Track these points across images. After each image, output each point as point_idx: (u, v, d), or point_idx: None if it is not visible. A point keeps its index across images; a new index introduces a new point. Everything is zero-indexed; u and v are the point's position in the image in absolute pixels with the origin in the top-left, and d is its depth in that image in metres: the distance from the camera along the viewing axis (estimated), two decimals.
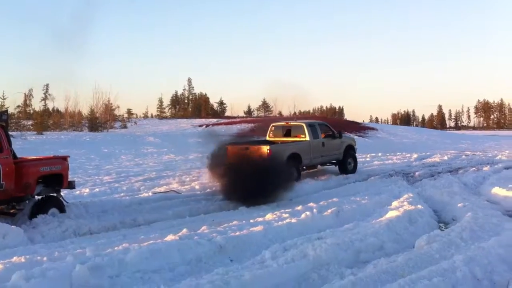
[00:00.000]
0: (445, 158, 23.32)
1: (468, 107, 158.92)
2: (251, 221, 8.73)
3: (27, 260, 5.90)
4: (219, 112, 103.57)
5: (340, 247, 6.68)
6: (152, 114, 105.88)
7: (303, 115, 77.03)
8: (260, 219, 8.92)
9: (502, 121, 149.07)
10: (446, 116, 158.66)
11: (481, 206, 10.12)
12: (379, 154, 25.49)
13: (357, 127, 47.35)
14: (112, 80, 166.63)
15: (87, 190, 12.57)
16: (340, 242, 6.83)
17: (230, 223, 8.43)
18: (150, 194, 12.21)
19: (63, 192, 9.96)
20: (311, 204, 10.07)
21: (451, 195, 11.32)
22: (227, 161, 12.21)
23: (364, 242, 7.07)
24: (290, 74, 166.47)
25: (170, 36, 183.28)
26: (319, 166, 17.45)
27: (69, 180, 9.77)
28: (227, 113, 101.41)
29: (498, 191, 11.75)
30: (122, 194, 12.23)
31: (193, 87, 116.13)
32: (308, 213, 8.99)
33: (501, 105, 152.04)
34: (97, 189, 12.70)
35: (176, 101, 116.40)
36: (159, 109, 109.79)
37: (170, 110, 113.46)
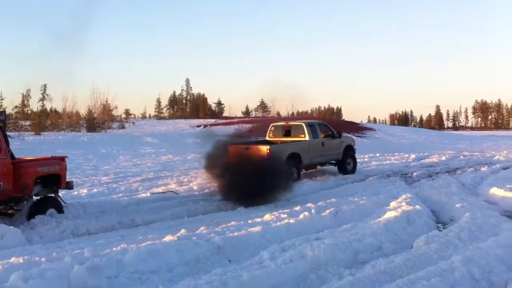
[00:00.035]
0: (443, 158, 23.36)
1: (466, 108, 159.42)
2: (249, 221, 8.73)
3: (25, 260, 5.89)
4: (217, 113, 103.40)
5: (339, 247, 6.68)
6: (150, 115, 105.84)
7: (301, 116, 77.08)
8: (258, 219, 8.92)
9: (500, 121, 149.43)
10: (444, 117, 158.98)
11: (479, 207, 10.14)
12: (377, 155, 25.51)
13: (355, 128, 47.36)
14: (110, 81, 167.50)
15: (85, 190, 12.56)
16: (338, 242, 6.83)
17: (228, 224, 8.43)
18: (148, 194, 12.20)
19: (61, 193, 9.94)
20: (309, 204, 10.07)
21: (449, 195, 11.34)
22: (227, 161, 12.14)
23: (363, 242, 7.07)
24: (288, 75, 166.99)
25: (168, 37, 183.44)
26: (318, 167, 17.48)
27: (67, 180, 9.75)
28: (225, 114, 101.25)
29: (496, 192, 11.78)
30: (120, 195, 12.22)
31: (191, 87, 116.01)
32: (306, 213, 8.99)
33: (498, 106, 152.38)
34: (95, 190, 12.69)
35: (174, 101, 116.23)
36: (157, 110, 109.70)
37: (168, 111, 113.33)
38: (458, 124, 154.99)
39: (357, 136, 37.10)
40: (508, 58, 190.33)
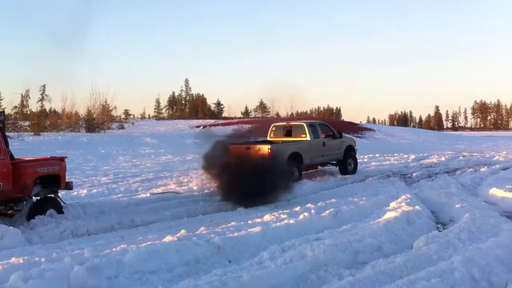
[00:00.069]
0: (443, 159, 23.37)
1: (465, 108, 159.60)
2: (249, 222, 8.73)
3: (25, 261, 5.89)
4: (216, 113, 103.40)
5: (338, 248, 6.68)
6: (149, 115, 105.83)
7: (300, 116, 77.07)
8: (258, 220, 8.92)
9: (499, 122, 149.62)
10: (443, 117, 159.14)
11: (479, 207, 10.14)
12: (377, 155, 25.53)
13: (355, 128, 47.38)
14: (109, 81, 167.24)
15: (85, 191, 12.56)
16: (338, 243, 6.83)
17: (228, 224, 8.43)
18: (148, 195, 12.20)
19: (61, 193, 9.94)
20: (309, 205, 10.07)
21: (449, 196, 11.34)
22: (227, 160, 12.09)
23: (362, 243, 7.07)
24: (288, 75, 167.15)
25: (167, 37, 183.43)
26: (319, 167, 17.51)
27: (66, 181, 9.75)
28: (224, 114, 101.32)
29: (496, 192, 11.78)
30: (119, 195, 12.22)
31: (190, 87, 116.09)
32: (306, 214, 8.99)
33: (498, 106, 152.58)
34: (94, 190, 12.68)
35: (173, 101, 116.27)
36: (156, 110, 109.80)
37: (167, 111, 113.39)
38: (458, 124, 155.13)
39: (356, 137, 37.05)
40: (507, 59, 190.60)
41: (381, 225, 8.05)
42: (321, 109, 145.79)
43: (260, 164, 12.05)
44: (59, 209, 9.22)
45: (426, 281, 5.28)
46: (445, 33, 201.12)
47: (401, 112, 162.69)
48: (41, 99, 71.27)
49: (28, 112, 59.63)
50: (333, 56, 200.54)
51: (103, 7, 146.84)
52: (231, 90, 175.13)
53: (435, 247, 6.79)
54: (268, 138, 16.94)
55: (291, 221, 8.51)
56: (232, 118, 75.40)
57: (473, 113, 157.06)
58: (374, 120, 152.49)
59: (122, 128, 53.52)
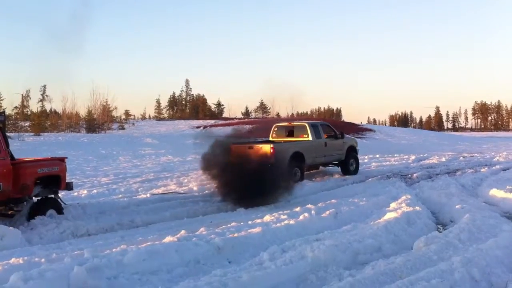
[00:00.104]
0: (443, 159, 23.38)
1: (466, 109, 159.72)
2: (249, 222, 8.72)
3: (25, 261, 5.89)
4: (216, 114, 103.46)
5: (338, 248, 6.68)
6: (150, 116, 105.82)
7: (301, 116, 77.07)
8: (258, 220, 8.92)
9: (499, 122, 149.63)
10: (444, 118, 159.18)
11: (479, 208, 10.14)
12: (377, 156, 25.52)
13: (355, 129, 47.38)
14: (109, 81, 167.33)
15: (85, 191, 12.55)
16: (338, 243, 6.83)
17: (228, 225, 8.43)
18: (148, 195, 12.19)
19: (61, 194, 9.94)
20: (309, 205, 10.07)
21: (449, 196, 11.33)
22: (229, 160, 12.04)
23: (362, 243, 7.06)
24: (288, 75, 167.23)
25: (168, 37, 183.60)
26: (320, 167, 17.55)
27: (67, 181, 9.75)
28: (224, 115, 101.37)
29: (496, 193, 11.78)
30: (120, 196, 12.20)
31: (190, 88, 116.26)
32: (306, 214, 8.99)
33: (498, 107, 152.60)
34: (95, 191, 12.68)
35: (173, 102, 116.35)
36: (156, 110, 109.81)
37: (167, 112, 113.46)
38: (458, 125, 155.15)
39: (356, 137, 36.99)
40: (508, 59, 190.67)
41: (381, 225, 8.04)
42: (322, 109, 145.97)
43: (263, 163, 12.04)
44: (59, 210, 9.23)
45: (426, 282, 5.27)
46: (445, 33, 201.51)
47: (402, 113, 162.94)
48: (42, 100, 71.35)
49: (29, 112, 59.74)
50: (333, 57, 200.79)
51: (103, 7, 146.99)
52: (232, 90, 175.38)
53: (435, 248, 6.78)
54: (270, 138, 16.97)
55: (291, 222, 8.51)
56: (232, 119, 75.43)
57: (473, 114, 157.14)
58: (374, 120, 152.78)
59: (123, 128, 53.58)
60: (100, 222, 9.13)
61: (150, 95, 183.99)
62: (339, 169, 17.58)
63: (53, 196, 9.48)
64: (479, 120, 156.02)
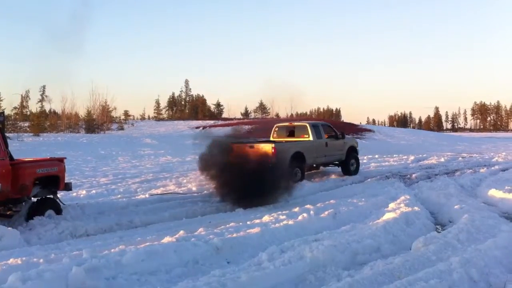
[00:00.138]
0: (442, 160, 23.40)
1: (465, 109, 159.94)
2: (248, 222, 8.72)
3: (24, 262, 5.88)
4: (216, 114, 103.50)
5: (337, 248, 6.68)
6: (149, 116, 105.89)
7: (300, 117, 77.08)
8: (257, 220, 8.91)
9: (498, 123, 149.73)
10: (443, 118, 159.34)
11: (478, 208, 10.14)
12: (376, 156, 25.53)
13: (354, 129, 47.39)
14: (109, 82, 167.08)
15: (84, 191, 12.54)
16: (337, 244, 6.83)
17: (227, 225, 8.42)
18: (147, 196, 12.18)
19: (60, 194, 9.93)
20: (308, 206, 10.07)
21: (448, 197, 11.33)
22: (229, 160, 11.98)
23: (361, 243, 7.06)
24: (287, 76, 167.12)
25: (167, 37, 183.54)
26: (321, 167, 17.57)
27: (65, 181, 9.74)
28: (224, 115, 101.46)
29: (495, 193, 11.79)
30: (118, 196, 12.20)
31: (190, 88, 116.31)
32: (305, 214, 8.99)
33: (497, 107, 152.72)
34: (93, 191, 12.67)
35: (173, 102, 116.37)
36: (156, 111, 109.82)
37: (167, 112, 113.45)
38: (457, 125, 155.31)
39: (356, 138, 37.08)
40: (507, 60, 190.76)
41: (380, 226, 8.05)
42: (321, 110, 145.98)
43: (264, 163, 12.04)
44: (58, 210, 9.21)
45: (424, 282, 5.27)
46: (445, 33, 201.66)
47: (401, 113, 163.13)
48: (41, 100, 71.46)
49: (28, 112, 59.77)
50: (332, 57, 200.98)
51: (103, 7, 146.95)
52: (231, 91, 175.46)
53: (434, 248, 6.78)
54: (271, 138, 17.02)
55: (290, 222, 8.51)
56: (231, 119, 75.49)
57: (472, 114, 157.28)
58: (373, 121, 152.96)
59: (122, 129, 53.61)
60: (98, 222, 9.11)
61: (150, 96, 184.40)
62: (338, 169, 17.61)
63: (52, 196, 9.47)
64: (478, 121, 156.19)
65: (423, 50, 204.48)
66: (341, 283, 5.43)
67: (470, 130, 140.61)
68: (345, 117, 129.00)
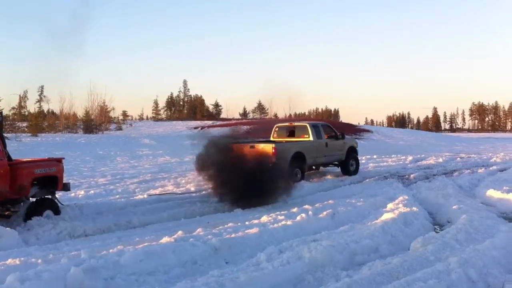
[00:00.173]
0: (440, 160, 23.43)
1: (463, 110, 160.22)
2: (247, 223, 8.72)
3: (22, 262, 5.88)
4: (214, 114, 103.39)
5: (336, 249, 6.68)
6: (147, 116, 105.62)
7: (298, 117, 77.10)
8: (256, 221, 8.91)
9: (496, 123, 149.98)
10: (441, 119, 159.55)
11: (476, 209, 10.14)
12: (374, 156, 25.56)
13: (353, 129, 47.40)
14: (107, 82, 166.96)
15: (82, 192, 12.53)
16: (335, 244, 6.83)
17: (226, 225, 8.42)
18: (145, 196, 12.17)
19: (58, 194, 9.92)
20: (306, 206, 10.08)
21: (446, 197, 11.34)
22: (230, 160, 11.93)
23: (360, 244, 7.07)
24: (287, 76, 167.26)
25: (166, 38, 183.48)
26: (321, 168, 17.60)
27: (64, 182, 9.73)
28: (222, 115, 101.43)
29: (493, 194, 11.80)
30: (117, 196, 12.19)
31: (188, 88, 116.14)
32: (303, 215, 8.99)
33: (496, 108, 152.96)
34: (92, 191, 12.65)
35: (171, 103, 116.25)
36: (154, 111, 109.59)
37: (165, 112, 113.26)
38: (455, 126, 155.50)
39: (354, 138, 37.14)
40: (505, 60, 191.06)
41: (378, 226, 8.05)
42: (319, 110, 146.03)
43: (264, 163, 12.03)
44: (56, 210, 9.21)
45: (423, 282, 5.28)
46: (444, 34, 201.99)
47: (399, 114, 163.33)
48: (39, 100, 71.46)
49: (26, 113, 59.57)
50: (331, 58, 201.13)
51: (101, 7, 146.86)
52: (230, 91, 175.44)
53: (432, 248, 6.79)
54: (272, 138, 17.06)
55: (289, 222, 8.51)
56: (230, 119, 75.47)
57: (471, 115, 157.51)
58: (372, 121, 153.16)
59: (120, 129, 53.54)
60: (97, 222, 9.10)
61: (148, 96, 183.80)
62: (336, 169, 17.65)
63: (50, 196, 9.46)
64: (476, 121, 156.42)
65: (422, 50, 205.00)
66: (340, 283, 5.43)
67: (468, 130, 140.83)
68: (344, 118, 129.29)
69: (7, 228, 7.60)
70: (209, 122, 63.87)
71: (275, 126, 17.72)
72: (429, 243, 7.04)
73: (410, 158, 24.46)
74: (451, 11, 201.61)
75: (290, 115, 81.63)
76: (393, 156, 26.31)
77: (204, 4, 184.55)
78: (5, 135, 10.19)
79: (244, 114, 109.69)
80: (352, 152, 17.67)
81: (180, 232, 7.60)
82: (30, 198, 9.17)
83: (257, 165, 11.59)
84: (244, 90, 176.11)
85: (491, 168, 18.90)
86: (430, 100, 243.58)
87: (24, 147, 25.28)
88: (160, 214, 10.02)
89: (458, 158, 24.93)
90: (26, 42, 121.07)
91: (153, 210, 10.36)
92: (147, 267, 6.01)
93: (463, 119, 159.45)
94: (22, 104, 63.68)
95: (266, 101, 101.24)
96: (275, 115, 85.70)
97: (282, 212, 9.57)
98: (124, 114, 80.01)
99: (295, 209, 9.80)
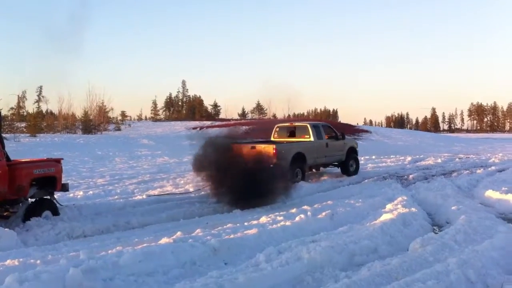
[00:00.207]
0: (439, 161, 23.45)
1: (462, 110, 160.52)
2: (246, 224, 8.71)
3: (21, 263, 5.87)
4: (213, 115, 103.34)
5: (335, 250, 6.68)
6: (146, 117, 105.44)
7: (297, 118, 77.11)
8: (255, 222, 8.91)
9: (495, 124, 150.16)
10: (440, 119, 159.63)
11: (475, 209, 10.15)
12: (373, 157, 25.55)
13: (351, 130, 47.40)
14: (106, 82, 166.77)
15: (81, 192, 12.52)
16: (334, 245, 6.83)
17: (225, 226, 8.41)
18: (144, 196, 12.14)
19: (57, 195, 9.91)
20: (305, 207, 10.07)
21: (445, 198, 11.35)
22: (230, 161, 11.89)
23: (359, 245, 7.07)
24: (285, 76, 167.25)
25: (164, 38, 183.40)
26: (321, 168, 17.64)
27: (62, 182, 9.72)
28: (221, 116, 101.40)
29: (492, 194, 11.81)
30: (116, 197, 12.17)
31: (187, 89, 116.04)
32: (302, 216, 9.00)
33: (494, 108, 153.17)
34: (91, 192, 12.64)
35: (170, 103, 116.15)
36: (153, 112, 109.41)
37: (164, 113, 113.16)
38: (454, 126, 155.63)
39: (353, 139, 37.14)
40: (504, 61, 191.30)
41: (377, 227, 8.05)
42: (318, 110, 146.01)
43: (265, 164, 12.02)
44: (55, 211, 9.20)
45: (422, 283, 5.28)
46: (443, 34, 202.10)
47: (398, 114, 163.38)
48: (38, 101, 71.29)
49: (25, 113, 59.52)
50: (330, 58, 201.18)
51: (100, 8, 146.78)
52: (228, 91, 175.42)
53: (431, 249, 6.79)
54: (272, 139, 17.10)
55: (288, 223, 8.51)
56: (229, 120, 75.45)
57: (469, 115, 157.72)
58: (370, 122, 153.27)
59: (119, 129, 53.41)
60: (96, 223, 9.10)
61: (147, 96, 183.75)
62: (335, 170, 17.67)
63: (48, 197, 9.45)
64: (475, 122, 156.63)
65: (420, 50, 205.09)
66: (339, 284, 5.43)
67: (467, 131, 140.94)
68: (342, 118, 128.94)
69: (6, 229, 7.58)
70: (208, 123, 63.76)
71: (275, 126, 17.78)
72: (428, 244, 7.04)
73: (409, 158, 24.48)
74: (451, 11, 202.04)
75: (289, 115, 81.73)
76: (392, 156, 26.33)
77: (203, 4, 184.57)
78: (3, 135, 10.17)
79: (243, 114, 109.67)
80: (352, 153, 17.75)
81: (179, 233, 7.60)
82: (29, 199, 9.15)
83: (258, 166, 11.58)
84: (243, 90, 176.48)
85: (489, 169, 18.93)
86: (428, 101, 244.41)
87: (22, 148, 25.26)
88: (159, 214, 10.02)
89: (457, 159, 24.96)
90: (25, 43, 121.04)
91: (152, 211, 10.35)
92: (146, 268, 6.00)
93: (462, 119, 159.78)
94: (21, 104, 63.67)
95: (265, 101, 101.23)
96: (274, 116, 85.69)
97: (281, 213, 9.56)
98: (123, 114, 79.85)
99: (294, 210, 9.80)
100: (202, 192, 12.49)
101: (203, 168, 11.98)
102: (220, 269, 6.05)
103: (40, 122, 44.32)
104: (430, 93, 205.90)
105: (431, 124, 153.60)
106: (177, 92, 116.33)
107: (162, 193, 12.72)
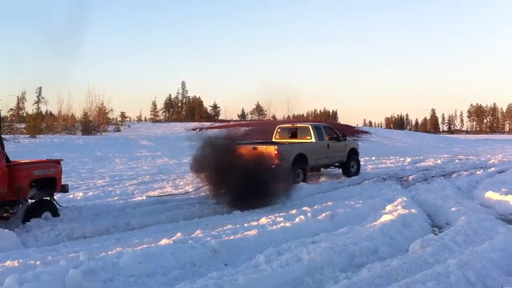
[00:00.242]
0: (439, 162, 23.46)
1: (461, 111, 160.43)
2: (245, 225, 8.71)
3: (20, 264, 5.86)
4: (212, 116, 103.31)
5: (335, 251, 6.68)
6: (145, 118, 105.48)
7: (297, 119, 77.14)
8: (255, 223, 8.90)
9: (495, 125, 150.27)
10: (440, 120, 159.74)
11: (475, 210, 10.15)
12: (373, 158, 25.55)
13: (351, 131, 47.37)
14: (105, 83, 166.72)
15: (81, 193, 12.50)
16: (334, 246, 6.83)
17: (224, 227, 8.41)
18: (144, 198, 12.14)
19: (57, 196, 9.90)
20: (305, 208, 10.07)
21: (445, 199, 11.35)
22: (231, 161, 11.87)
23: (358, 246, 7.07)
24: (285, 77, 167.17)
25: (164, 39, 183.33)
26: (322, 169, 17.66)
27: (62, 183, 9.71)
28: (221, 117, 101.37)
29: (492, 195, 11.81)
30: (115, 198, 12.18)
31: (186, 90, 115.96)
32: (302, 217, 9.00)
33: (494, 109, 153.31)
34: (90, 193, 12.64)
35: (169, 104, 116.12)
36: (152, 113, 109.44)
37: (163, 114, 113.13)
38: (454, 127, 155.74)
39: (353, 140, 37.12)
40: (504, 62, 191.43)
41: (377, 228, 8.05)
42: (318, 111, 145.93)
43: (266, 165, 12.02)
44: (55, 212, 9.20)
45: (422, 284, 5.28)
46: (443, 35, 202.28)
47: (397, 115, 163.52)
48: (37, 102, 71.24)
49: (24, 114, 59.49)
50: (330, 59, 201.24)
51: (100, 9, 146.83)
52: (228, 92, 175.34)
53: (431, 250, 6.79)
54: (273, 139, 17.13)
55: (287, 224, 8.50)
56: (228, 121, 75.43)
57: (469, 116, 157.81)
58: (370, 123, 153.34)
59: (119, 130, 53.42)
60: (95, 224, 9.09)
61: (146, 97, 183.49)
62: (335, 171, 17.69)
63: (48, 198, 9.44)
64: (474, 123, 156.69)
65: (420, 51, 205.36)
66: (339, 285, 5.43)
67: (467, 132, 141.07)
68: (342, 119, 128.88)
69: (6, 230, 7.58)
70: (208, 124, 63.75)
71: (277, 127, 17.83)
72: (428, 245, 7.04)
73: (408, 159, 24.48)
74: (451, 11, 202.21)
75: (289, 116, 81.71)
76: (391, 157, 26.32)
77: (203, 5, 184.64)
78: (3, 136, 10.16)
79: (243, 115, 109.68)
80: (353, 154, 17.83)
81: (179, 234, 7.60)
82: (29, 200, 9.14)
83: (260, 167, 11.58)
84: (243, 91, 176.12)
85: (489, 170, 18.92)
86: (428, 102, 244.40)
87: (22, 149, 25.26)
88: (159, 216, 10.01)
89: (457, 160, 24.95)
90: (25, 43, 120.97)
91: (151, 212, 10.34)
92: (146, 269, 6.00)
93: (461, 120, 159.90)
94: (20, 105, 63.56)
95: (264, 102, 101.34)
96: (274, 117, 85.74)
97: (281, 214, 9.56)
98: (123, 115, 79.81)
99: (293, 211, 9.80)
100: (202, 193, 12.48)
101: (203, 169, 11.96)
102: (220, 270, 6.04)
103: (40, 123, 44.34)
104: (430, 94, 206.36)
105: (431, 125, 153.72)
106: (177, 93, 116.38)
107: (162, 194, 12.72)
